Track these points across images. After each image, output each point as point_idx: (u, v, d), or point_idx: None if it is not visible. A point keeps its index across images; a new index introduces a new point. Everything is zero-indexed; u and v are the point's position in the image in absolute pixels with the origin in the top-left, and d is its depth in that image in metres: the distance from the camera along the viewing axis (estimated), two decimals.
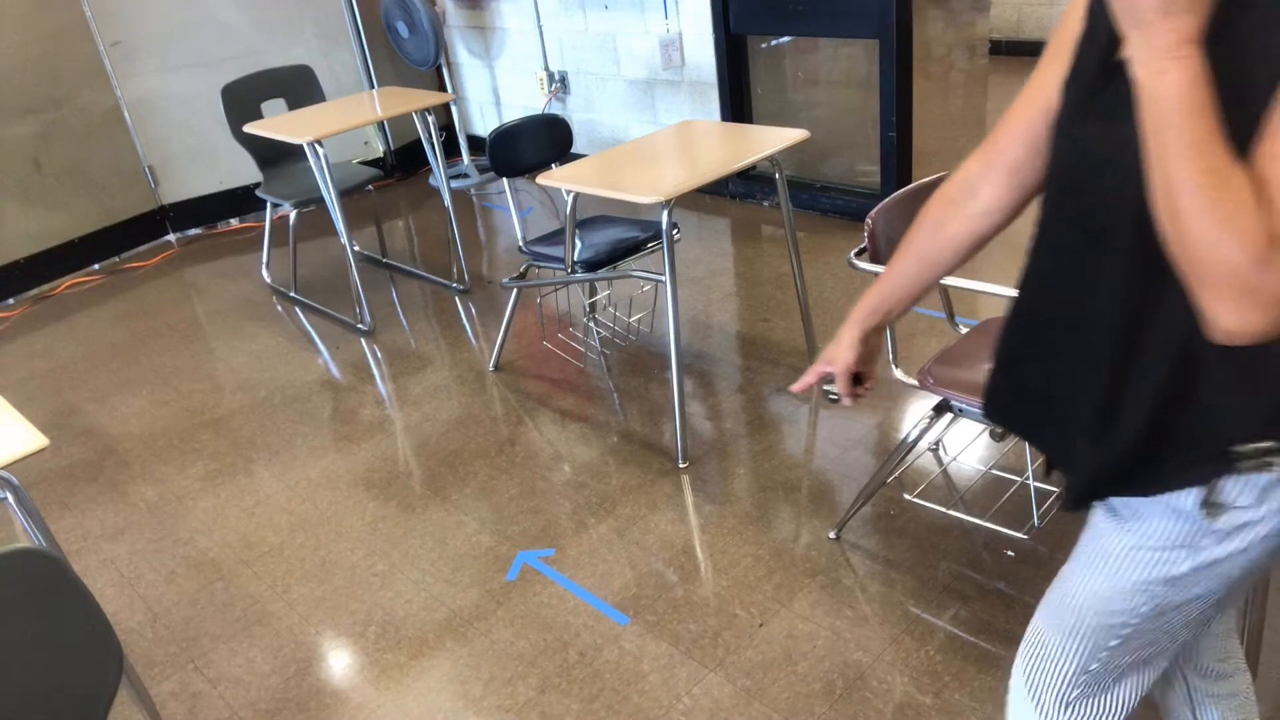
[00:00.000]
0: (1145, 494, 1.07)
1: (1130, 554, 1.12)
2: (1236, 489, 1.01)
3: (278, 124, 3.72)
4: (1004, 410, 1.23)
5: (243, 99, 4.05)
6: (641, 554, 2.35)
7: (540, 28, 5.18)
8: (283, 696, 2.08)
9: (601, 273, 2.89)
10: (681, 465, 2.68)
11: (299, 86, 4.20)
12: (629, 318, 3.62)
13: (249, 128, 3.73)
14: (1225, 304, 0.82)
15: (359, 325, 3.80)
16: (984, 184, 1.18)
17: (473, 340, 3.59)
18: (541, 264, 3.02)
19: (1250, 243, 0.79)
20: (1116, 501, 1.12)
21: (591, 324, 3.60)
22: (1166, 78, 0.82)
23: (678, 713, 1.90)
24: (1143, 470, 1.04)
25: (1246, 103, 0.82)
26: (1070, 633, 1.23)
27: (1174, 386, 0.98)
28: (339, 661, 2.16)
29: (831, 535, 2.33)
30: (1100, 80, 0.95)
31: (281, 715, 2.03)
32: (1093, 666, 1.22)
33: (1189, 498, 1.04)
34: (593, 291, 3.70)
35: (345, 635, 2.23)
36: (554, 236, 3.14)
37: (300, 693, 2.08)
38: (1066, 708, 1.26)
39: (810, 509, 2.43)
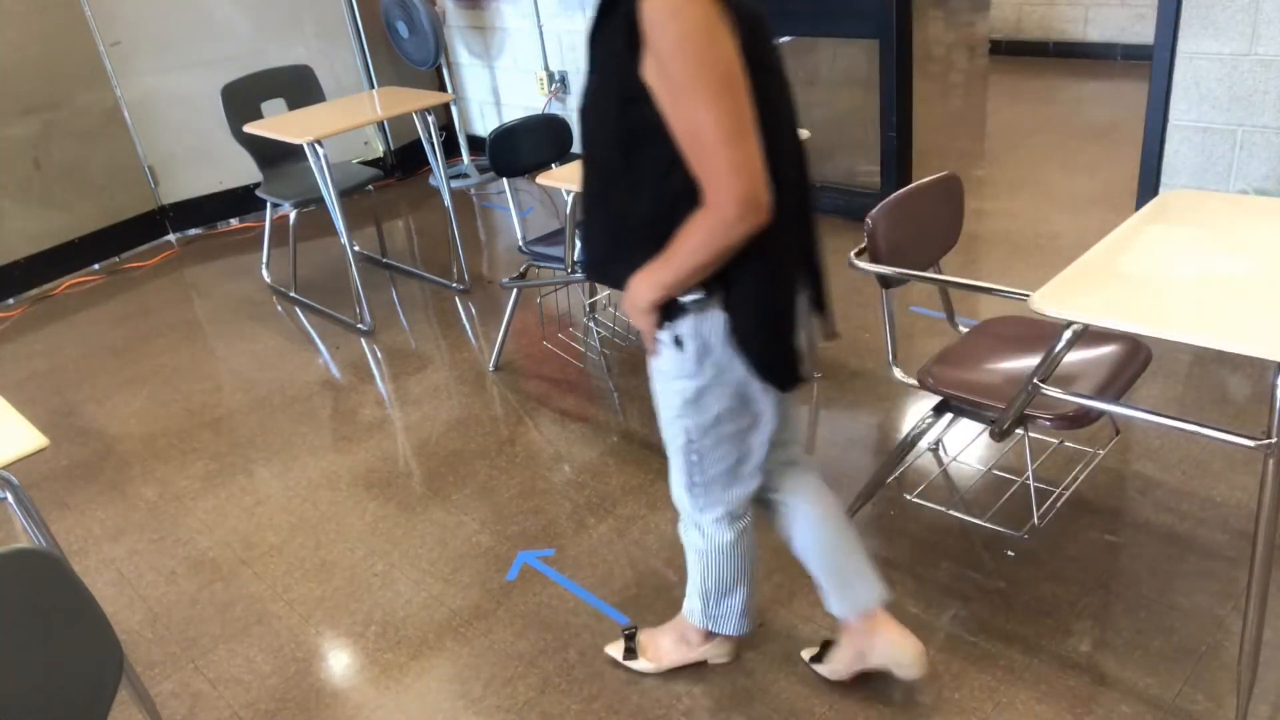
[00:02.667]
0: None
1: (664, 389, 1.59)
2: (690, 326, 1.47)
3: (278, 124, 3.72)
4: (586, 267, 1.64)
5: (243, 99, 4.05)
6: (641, 554, 2.35)
7: (540, 28, 5.18)
8: (283, 696, 2.08)
9: None
10: None
11: (299, 86, 4.20)
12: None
13: (249, 128, 3.73)
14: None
15: (359, 325, 3.80)
16: None
17: (473, 340, 3.59)
18: (541, 264, 3.02)
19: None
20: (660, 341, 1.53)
21: (591, 324, 3.60)
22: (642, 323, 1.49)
23: (678, 713, 1.90)
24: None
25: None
26: (673, 455, 1.67)
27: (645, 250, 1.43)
28: (339, 661, 2.16)
29: None
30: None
31: (281, 715, 2.03)
32: (696, 479, 1.66)
33: (667, 334, 1.50)
34: (593, 291, 3.70)
35: (345, 635, 2.23)
36: (554, 236, 3.14)
37: (300, 693, 2.08)
38: (698, 512, 1.72)
39: None
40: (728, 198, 1.29)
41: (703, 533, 1.75)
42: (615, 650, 2.03)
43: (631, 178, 1.39)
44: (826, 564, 1.78)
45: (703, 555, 1.78)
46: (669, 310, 1.48)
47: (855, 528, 1.85)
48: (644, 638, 2.02)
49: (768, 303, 1.45)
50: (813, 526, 1.76)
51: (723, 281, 1.43)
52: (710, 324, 1.47)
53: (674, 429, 1.63)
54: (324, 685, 2.10)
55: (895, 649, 1.78)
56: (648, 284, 1.43)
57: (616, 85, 1.34)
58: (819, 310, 1.64)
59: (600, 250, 1.54)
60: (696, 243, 1.35)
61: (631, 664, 2.00)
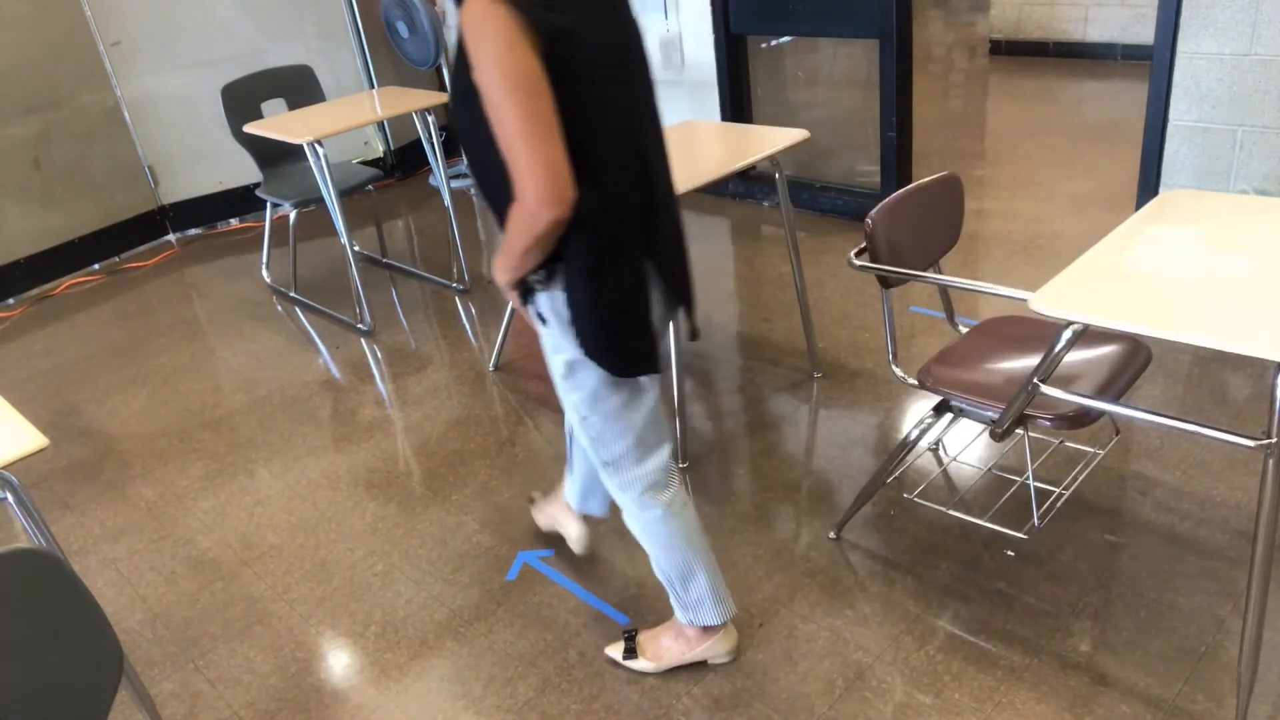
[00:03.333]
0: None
1: (551, 364, 1.72)
2: (546, 303, 1.61)
3: (278, 124, 3.72)
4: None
5: (243, 99, 4.05)
6: (641, 554, 2.35)
7: None
8: (283, 696, 2.08)
9: None
10: (681, 465, 2.67)
11: (299, 86, 4.20)
12: None
13: (249, 128, 3.73)
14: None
15: (359, 325, 3.80)
16: None
17: (473, 340, 3.59)
18: None
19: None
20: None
21: None
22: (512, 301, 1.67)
23: (678, 713, 1.90)
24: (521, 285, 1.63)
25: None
26: (580, 438, 1.78)
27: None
28: (339, 661, 2.16)
29: (831, 535, 2.33)
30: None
31: (281, 715, 2.03)
32: (604, 457, 1.77)
33: (533, 311, 1.65)
34: None
35: (345, 635, 2.23)
36: None
37: (300, 693, 2.08)
38: (620, 492, 1.82)
39: (810, 509, 2.43)
40: (528, 192, 1.42)
41: (633, 515, 1.85)
42: (615, 651, 2.05)
43: (496, 163, 1.47)
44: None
45: (648, 541, 1.87)
46: (526, 289, 1.62)
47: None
48: (643, 638, 2.05)
49: (596, 291, 1.56)
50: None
51: (559, 265, 1.56)
52: (557, 302, 1.60)
53: (568, 406, 1.76)
54: (324, 685, 2.10)
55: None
56: (499, 265, 1.58)
57: (462, 83, 1.47)
58: (681, 306, 1.74)
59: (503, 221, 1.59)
60: (513, 231, 1.48)
61: (632, 664, 2.02)
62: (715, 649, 1.99)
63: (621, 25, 1.54)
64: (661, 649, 2.01)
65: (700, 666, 1.99)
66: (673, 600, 1.93)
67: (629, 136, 1.55)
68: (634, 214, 1.57)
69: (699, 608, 1.91)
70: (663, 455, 1.80)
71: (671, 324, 1.68)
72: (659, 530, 1.83)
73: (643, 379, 1.70)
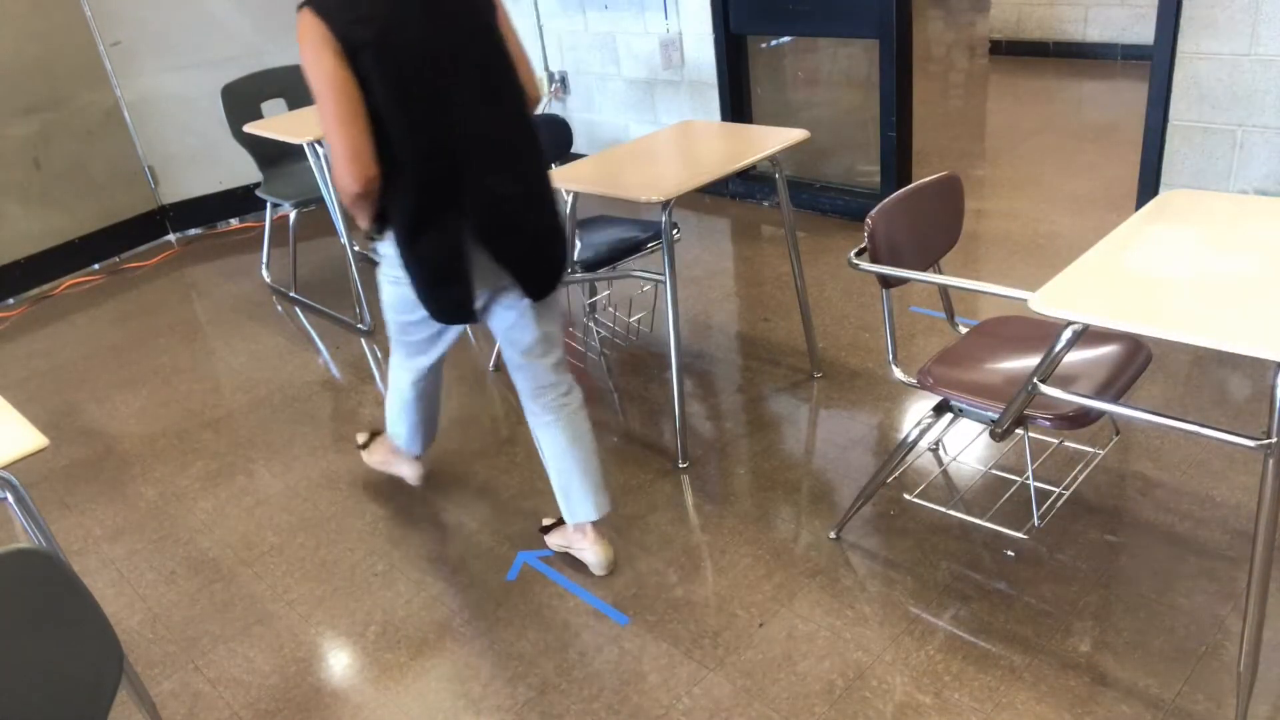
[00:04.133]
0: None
1: (380, 280, 2.12)
2: (383, 247, 1.99)
3: (278, 124, 3.72)
4: None
5: (243, 99, 4.05)
6: (641, 554, 2.35)
7: (540, 28, 5.18)
8: (283, 696, 2.08)
9: (601, 273, 2.89)
10: (681, 465, 2.68)
11: (299, 86, 4.20)
12: (629, 318, 3.62)
13: (249, 128, 3.73)
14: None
15: (359, 325, 3.80)
16: None
17: (472, 340, 3.59)
18: None
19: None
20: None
21: (591, 324, 3.60)
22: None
23: (678, 713, 1.90)
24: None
25: None
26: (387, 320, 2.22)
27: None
28: (339, 661, 2.16)
29: (831, 535, 2.33)
30: None
31: (281, 715, 2.03)
32: (399, 338, 2.25)
33: (375, 246, 2.05)
34: (593, 291, 3.70)
35: (345, 635, 2.23)
36: None
37: (300, 693, 2.08)
38: (394, 356, 2.34)
39: (810, 509, 2.43)
40: (337, 170, 1.79)
41: (395, 375, 2.37)
42: (361, 437, 2.79)
43: None
44: (559, 480, 2.25)
45: (393, 393, 2.43)
46: (370, 234, 2.02)
47: (597, 455, 2.26)
48: (375, 443, 2.74)
49: (409, 251, 1.92)
50: (555, 449, 2.21)
51: (386, 223, 1.93)
52: (389, 250, 1.98)
53: (385, 308, 2.18)
54: (324, 685, 2.10)
55: (593, 554, 2.29)
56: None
57: None
58: (514, 274, 2.01)
59: None
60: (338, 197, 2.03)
61: (363, 453, 2.77)
62: (408, 469, 2.63)
63: (446, 36, 1.82)
64: (376, 455, 2.75)
65: (700, 667, 1.99)
66: (389, 427, 2.54)
67: (437, 131, 1.83)
68: (442, 194, 1.87)
69: (399, 437, 2.51)
70: (430, 361, 2.31)
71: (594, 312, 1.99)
72: (402, 396, 2.41)
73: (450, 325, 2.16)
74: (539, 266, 2.03)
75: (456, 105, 1.84)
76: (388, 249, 1.98)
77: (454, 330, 2.23)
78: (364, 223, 1.93)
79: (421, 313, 2.07)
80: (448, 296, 1.97)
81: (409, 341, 2.25)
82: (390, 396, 2.46)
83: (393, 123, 1.78)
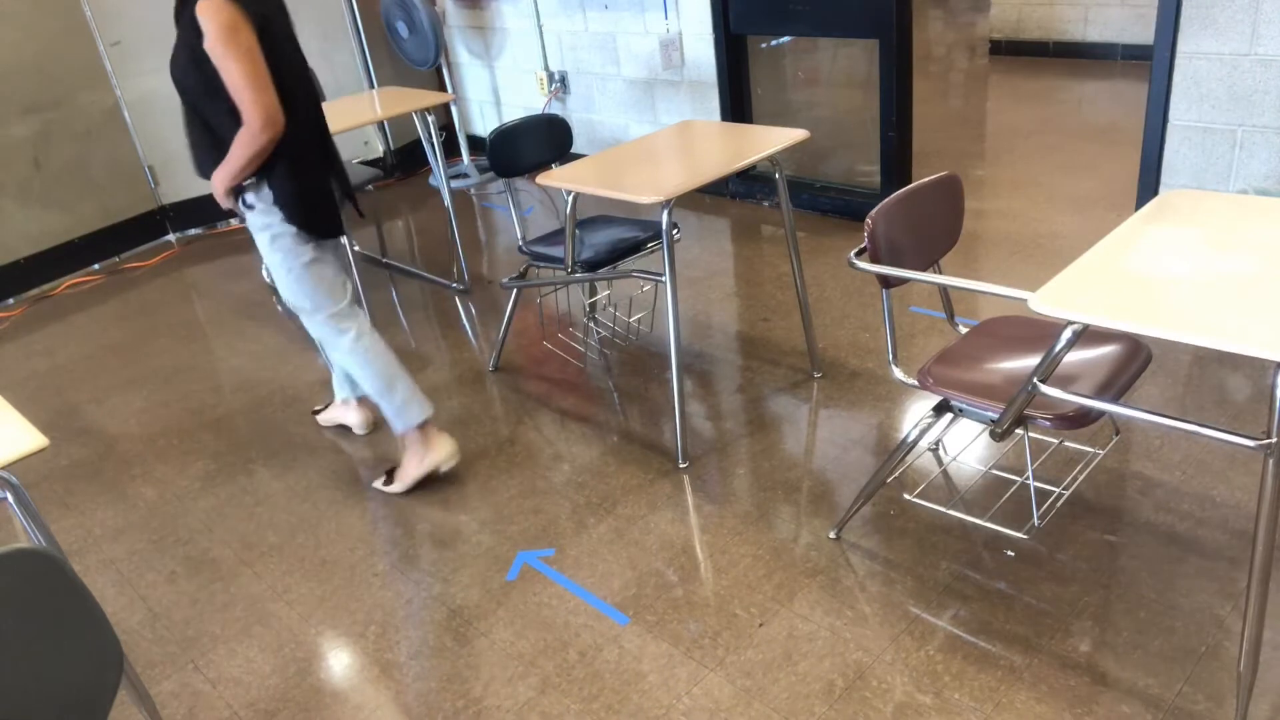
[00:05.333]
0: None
1: (258, 241, 2.47)
2: (253, 197, 2.39)
3: None
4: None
5: None
6: (641, 554, 2.35)
7: (540, 28, 5.18)
8: (283, 696, 2.08)
9: (601, 273, 2.89)
10: (681, 465, 2.68)
11: None
12: (629, 318, 3.62)
13: None
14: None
15: None
16: None
17: (473, 340, 3.59)
18: (541, 264, 3.02)
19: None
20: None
21: (591, 324, 3.60)
22: (225, 201, 2.44)
23: (678, 713, 1.90)
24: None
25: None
26: (286, 288, 2.54)
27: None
28: (339, 661, 2.16)
29: (831, 535, 2.33)
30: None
31: (281, 715, 2.03)
32: (301, 303, 2.54)
33: (242, 202, 2.42)
34: (593, 291, 3.70)
35: (345, 635, 2.23)
36: (554, 236, 3.14)
37: (300, 693, 2.08)
38: (309, 317, 2.57)
39: (810, 509, 2.43)
40: (255, 120, 2.22)
41: (333, 343, 2.57)
42: (379, 483, 2.75)
43: (212, 110, 2.29)
44: (390, 385, 2.60)
45: (351, 363, 2.58)
46: (240, 190, 2.39)
47: (399, 361, 2.62)
48: (398, 470, 2.73)
49: (294, 184, 2.38)
50: (382, 354, 2.60)
51: (267, 171, 2.36)
52: (264, 194, 2.38)
53: (273, 264, 2.50)
54: (324, 685, 2.10)
55: (444, 444, 2.69)
56: (222, 175, 2.34)
57: (190, 52, 2.22)
58: (348, 198, 2.63)
59: (202, 159, 2.39)
60: (241, 148, 2.27)
61: (388, 488, 2.72)
62: (438, 455, 2.67)
63: (289, 21, 2.39)
64: (406, 472, 2.69)
65: (699, 667, 2.00)
66: (387, 414, 2.62)
67: (306, 95, 2.40)
68: (314, 139, 2.45)
69: (406, 409, 2.60)
70: (344, 300, 2.57)
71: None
72: (356, 350, 2.57)
73: (324, 248, 2.51)
74: (352, 196, 2.68)
75: (304, 79, 2.41)
76: (257, 199, 2.39)
77: (338, 263, 2.57)
78: (248, 172, 2.33)
79: (308, 251, 2.47)
80: (326, 211, 2.46)
81: (316, 292, 2.52)
82: (360, 377, 2.59)
83: (281, 84, 2.28)
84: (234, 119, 2.30)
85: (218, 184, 2.37)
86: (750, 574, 2.24)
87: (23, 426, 1.67)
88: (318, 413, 3.15)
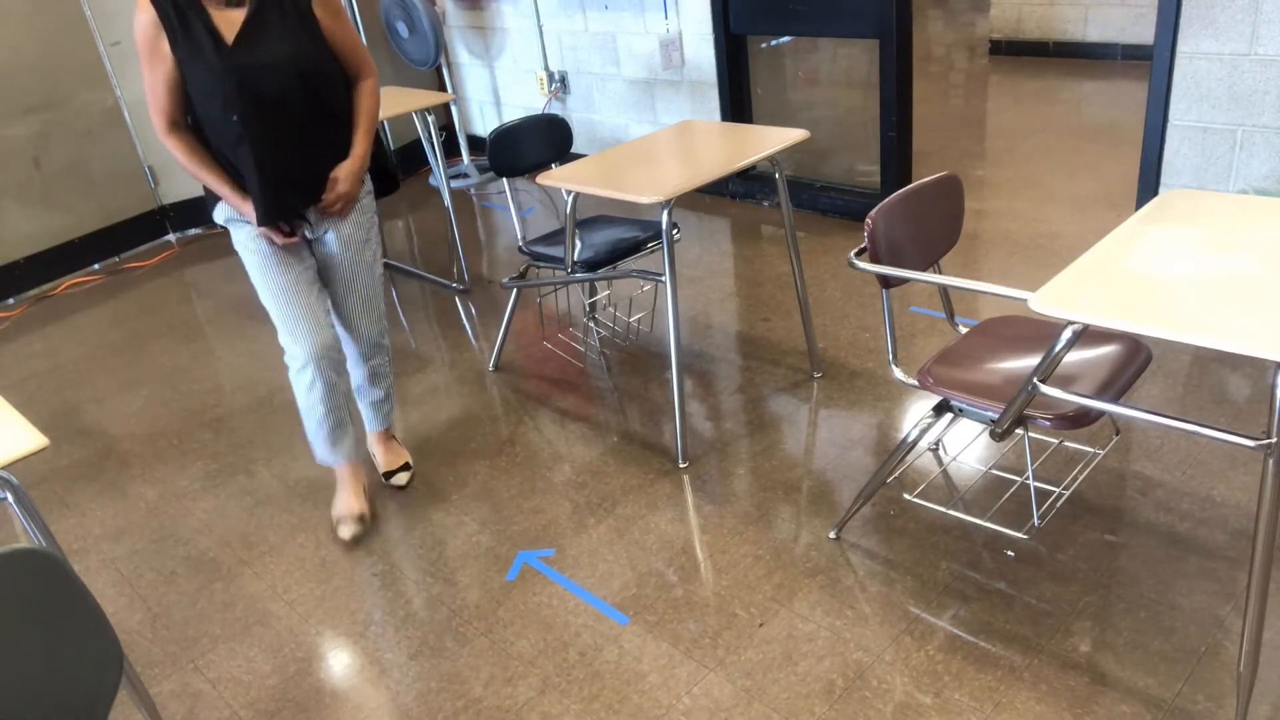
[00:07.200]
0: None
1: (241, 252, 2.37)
2: (220, 215, 2.34)
3: None
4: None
5: None
6: (641, 554, 2.35)
7: (540, 28, 5.18)
8: (283, 696, 2.08)
9: (601, 273, 2.89)
10: (681, 465, 2.68)
11: None
12: (629, 318, 3.62)
13: None
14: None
15: None
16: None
17: (473, 340, 3.59)
18: (541, 264, 3.02)
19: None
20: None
21: (591, 324, 3.60)
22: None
23: (678, 713, 1.90)
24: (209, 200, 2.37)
25: None
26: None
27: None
28: (339, 661, 2.16)
29: (831, 535, 2.33)
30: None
31: (281, 715, 2.03)
32: (276, 320, 2.43)
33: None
34: (593, 291, 3.70)
35: (345, 635, 2.23)
36: (554, 236, 3.14)
37: (300, 693, 2.08)
38: (284, 343, 2.47)
39: (810, 509, 2.43)
40: (373, 65, 2.34)
41: (296, 375, 2.50)
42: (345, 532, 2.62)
43: (333, 88, 2.29)
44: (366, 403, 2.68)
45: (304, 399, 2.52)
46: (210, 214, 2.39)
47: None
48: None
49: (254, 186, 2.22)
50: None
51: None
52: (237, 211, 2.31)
53: (374, 252, 2.51)
54: (324, 685, 2.10)
55: (344, 508, 2.57)
56: (363, 148, 2.34)
57: (309, 31, 2.21)
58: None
59: (322, 162, 2.30)
60: (378, 103, 2.35)
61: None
62: (338, 509, 2.57)
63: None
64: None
65: (700, 666, 2.00)
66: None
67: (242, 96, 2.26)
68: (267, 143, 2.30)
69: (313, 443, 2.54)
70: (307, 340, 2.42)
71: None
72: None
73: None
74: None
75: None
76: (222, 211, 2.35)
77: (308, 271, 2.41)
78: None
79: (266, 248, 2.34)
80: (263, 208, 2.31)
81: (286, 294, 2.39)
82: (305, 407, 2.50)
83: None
84: (346, 89, 2.27)
85: (358, 166, 2.31)
86: (750, 574, 2.24)
87: (23, 426, 1.67)
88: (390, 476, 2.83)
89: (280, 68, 2.15)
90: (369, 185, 2.46)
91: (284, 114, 2.19)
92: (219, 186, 2.25)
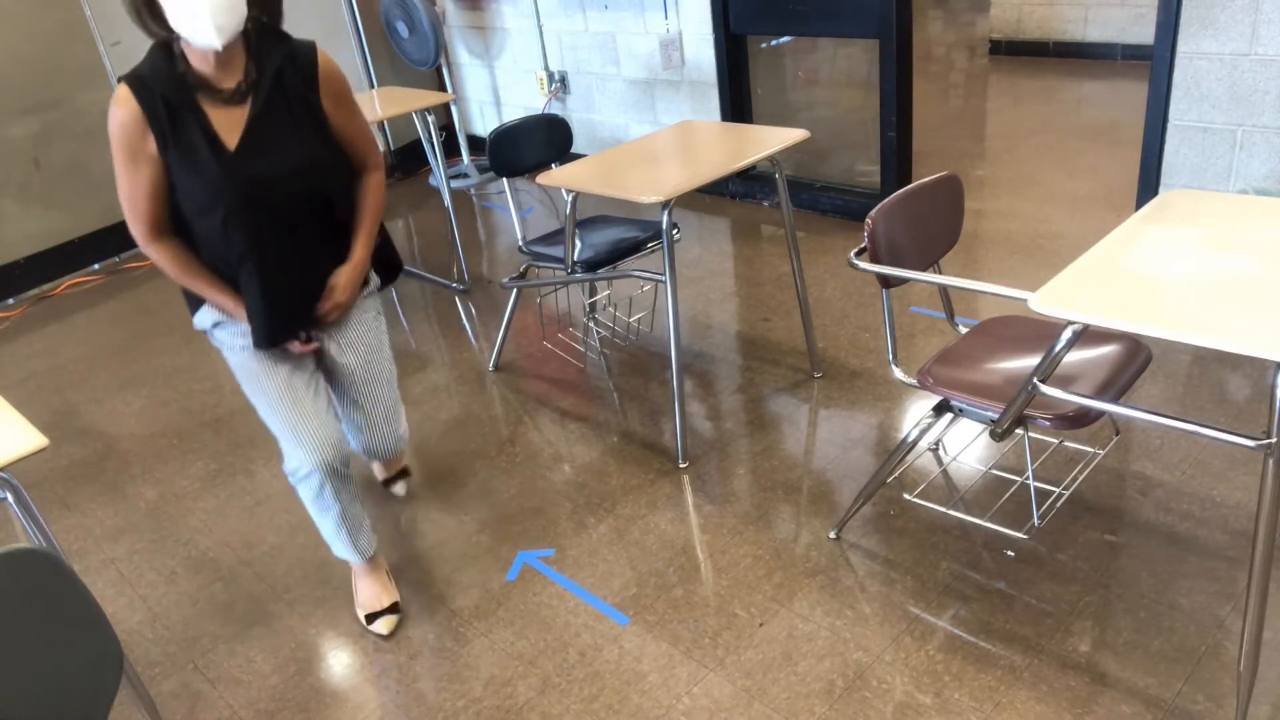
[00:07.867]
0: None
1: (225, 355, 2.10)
2: (207, 319, 2.06)
3: None
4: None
5: None
6: (641, 554, 2.35)
7: (540, 28, 5.18)
8: (283, 696, 2.08)
9: (601, 273, 2.89)
10: (681, 465, 2.68)
11: None
12: (629, 318, 3.62)
13: None
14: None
15: None
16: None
17: (473, 340, 3.59)
18: (541, 264, 3.02)
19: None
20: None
21: (591, 324, 3.60)
22: None
23: (678, 713, 1.90)
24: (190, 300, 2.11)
25: None
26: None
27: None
28: (339, 661, 2.16)
29: (831, 535, 2.33)
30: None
31: (281, 715, 2.03)
32: (271, 425, 2.07)
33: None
34: (593, 291, 3.70)
35: (345, 635, 2.23)
36: (554, 236, 3.14)
37: (300, 693, 2.08)
38: (286, 450, 2.07)
39: (810, 509, 2.43)
40: (380, 157, 2.11)
41: (298, 482, 2.13)
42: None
43: (338, 184, 2.05)
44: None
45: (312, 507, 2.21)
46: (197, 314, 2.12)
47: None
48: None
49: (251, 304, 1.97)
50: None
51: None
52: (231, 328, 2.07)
53: (387, 345, 2.27)
54: (324, 685, 2.10)
55: (371, 601, 2.28)
56: (365, 250, 2.09)
57: (316, 121, 1.99)
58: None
59: (322, 264, 2.05)
60: (382, 198, 2.12)
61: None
62: (365, 603, 2.26)
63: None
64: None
65: (700, 666, 2.00)
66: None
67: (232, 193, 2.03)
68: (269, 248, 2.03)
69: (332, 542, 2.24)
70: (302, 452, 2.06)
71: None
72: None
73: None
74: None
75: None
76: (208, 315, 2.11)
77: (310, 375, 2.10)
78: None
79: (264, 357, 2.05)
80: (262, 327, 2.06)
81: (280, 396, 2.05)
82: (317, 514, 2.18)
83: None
84: (349, 187, 2.03)
85: (357, 275, 2.04)
86: (750, 574, 2.24)
87: (23, 426, 1.67)
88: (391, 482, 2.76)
89: (291, 178, 1.88)
90: (375, 281, 2.21)
91: (295, 230, 1.93)
92: (218, 297, 1.96)
